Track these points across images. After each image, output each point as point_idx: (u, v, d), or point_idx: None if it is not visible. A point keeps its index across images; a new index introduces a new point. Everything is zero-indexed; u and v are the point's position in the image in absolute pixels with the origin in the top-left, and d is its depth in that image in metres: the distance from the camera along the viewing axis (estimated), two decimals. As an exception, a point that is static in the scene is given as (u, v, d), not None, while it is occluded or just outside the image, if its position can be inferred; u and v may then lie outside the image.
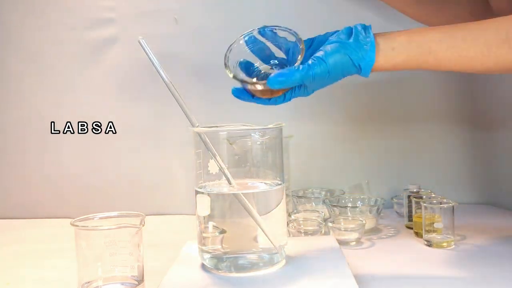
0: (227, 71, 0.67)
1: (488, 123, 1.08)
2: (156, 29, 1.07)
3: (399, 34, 0.68)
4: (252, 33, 0.70)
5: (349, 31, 0.68)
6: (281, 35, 0.69)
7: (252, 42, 0.70)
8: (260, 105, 0.68)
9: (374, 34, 0.68)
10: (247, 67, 0.70)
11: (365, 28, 0.68)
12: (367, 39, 0.66)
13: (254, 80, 0.67)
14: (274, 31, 0.69)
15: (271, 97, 0.67)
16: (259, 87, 0.65)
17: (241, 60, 0.69)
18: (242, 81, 0.66)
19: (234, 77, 0.66)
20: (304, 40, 0.69)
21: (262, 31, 0.69)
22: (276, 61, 0.71)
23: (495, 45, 0.65)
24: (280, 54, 0.71)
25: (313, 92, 0.68)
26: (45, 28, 1.08)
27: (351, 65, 0.65)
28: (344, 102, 1.10)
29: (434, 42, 0.67)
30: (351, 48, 0.65)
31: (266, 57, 0.71)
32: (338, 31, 0.69)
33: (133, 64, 1.07)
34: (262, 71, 0.70)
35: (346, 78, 0.67)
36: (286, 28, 0.68)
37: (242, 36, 0.70)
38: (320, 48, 0.66)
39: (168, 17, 1.07)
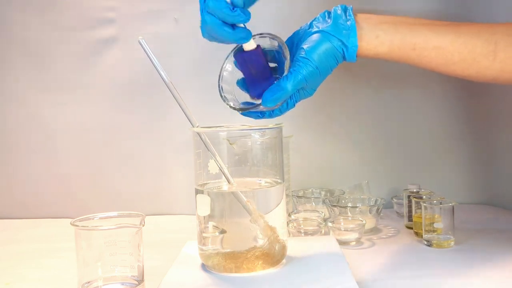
0: (226, 102, 0.67)
1: (488, 123, 1.08)
2: (156, 29, 1.07)
3: (384, 20, 0.65)
4: (232, 54, 0.68)
5: (327, 16, 0.65)
6: (262, 43, 0.66)
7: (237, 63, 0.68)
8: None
9: (356, 15, 0.65)
10: (245, 84, 0.69)
11: (345, 9, 0.65)
12: (348, 22, 0.63)
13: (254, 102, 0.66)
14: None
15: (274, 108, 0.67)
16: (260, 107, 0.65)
17: (238, 79, 0.69)
18: (240, 110, 0.66)
19: (233, 108, 0.66)
20: (286, 40, 0.68)
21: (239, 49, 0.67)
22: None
23: (481, 54, 0.65)
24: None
25: (314, 91, 0.67)
26: (45, 28, 1.08)
27: (336, 53, 0.63)
28: (345, 103, 1.10)
29: (421, 39, 0.65)
30: (331, 36, 0.63)
31: None
32: (316, 18, 0.66)
33: (133, 64, 1.07)
34: None
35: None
36: (267, 34, 0.66)
37: (227, 60, 0.68)
38: (301, 45, 0.64)
39: (168, 17, 1.07)
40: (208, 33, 0.62)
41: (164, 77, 0.62)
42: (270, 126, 0.66)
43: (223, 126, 0.66)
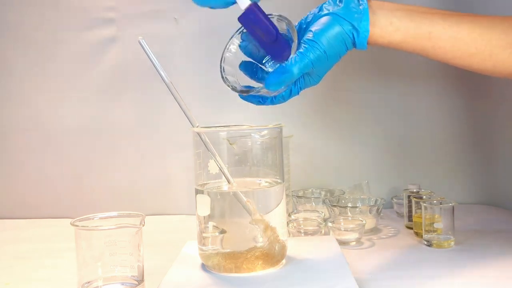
0: (226, 84, 0.64)
1: (488, 123, 1.08)
2: (156, 29, 1.07)
3: (399, 8, 0.63)
4: (235, 35, 0.66)
5: None
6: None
7: (244, 40, 0.66)
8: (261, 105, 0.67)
9: (369, 0, 0.62)
10: (248, 68, 0.67)
11: None
12: (360, 7, 0.60)
13: (256, 86, 0.64)
14: None
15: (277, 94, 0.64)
16: (262, 91, 0.63)
17: (240, 63, 0.67)
18: (241, 92, 0.64)
19: (234, 89, 0.64)
20: (299, 23, 0.66)
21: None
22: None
23: (499, 47, 0.62)
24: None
25: (320, 78, 0.64)
26: (45, 28, 1.08)
27: (346, 37, 0.60)
28: (345, 103, 1.10)
29: (436, 28, 0.62)
30: (341, 19, 0.60)
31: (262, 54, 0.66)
32: (327, 1, 0.63)
33: (133, 64, 1.07)
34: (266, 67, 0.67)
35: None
36: (276, 14, 0.63)
37: (230, 42, 0.66)
38: (310, 28, 0.61)
39: (168, 17, 1.07)
40: None
41: (164, 77, 0.62)
42: (270, 126, 0.66)
43: (223, 126, 0.66)
